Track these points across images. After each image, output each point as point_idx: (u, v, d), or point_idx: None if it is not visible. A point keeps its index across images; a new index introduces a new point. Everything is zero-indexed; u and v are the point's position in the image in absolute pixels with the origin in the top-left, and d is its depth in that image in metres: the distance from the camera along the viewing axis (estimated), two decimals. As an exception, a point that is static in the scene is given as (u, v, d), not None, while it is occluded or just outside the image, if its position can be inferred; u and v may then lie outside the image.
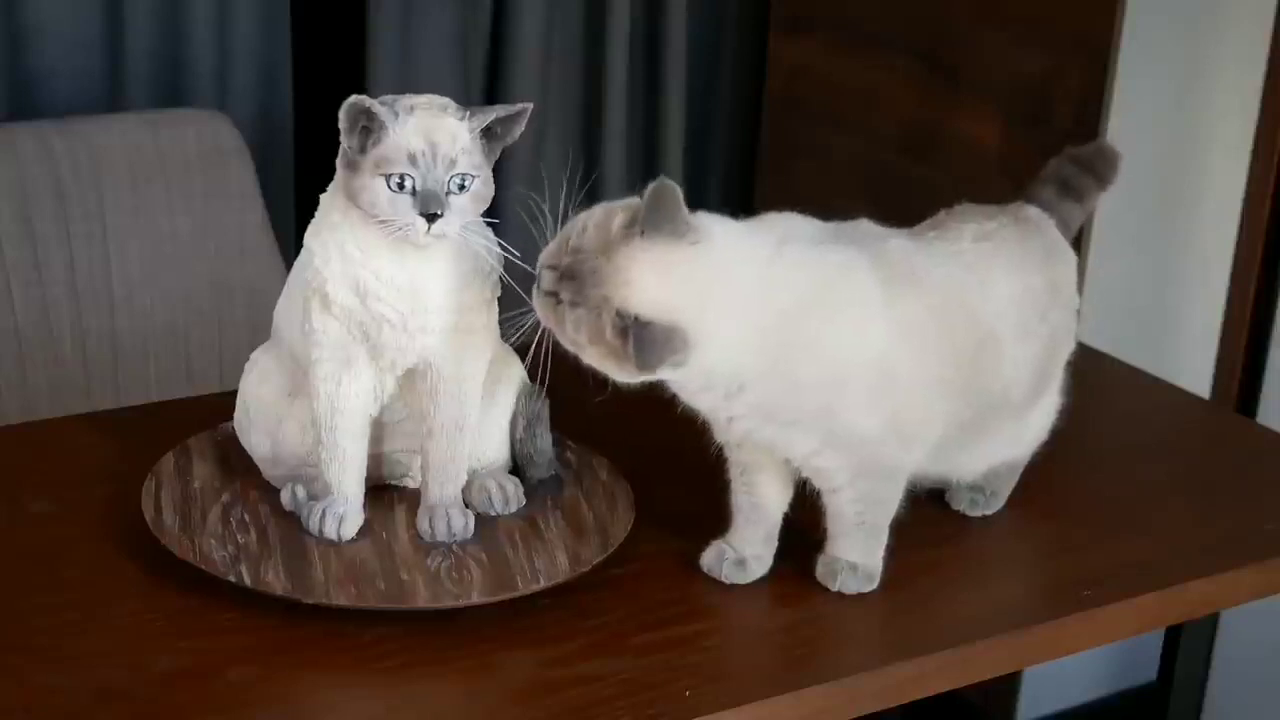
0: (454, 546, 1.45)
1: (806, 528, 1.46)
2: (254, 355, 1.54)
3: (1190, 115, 2.46)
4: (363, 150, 1.36)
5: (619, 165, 2.76)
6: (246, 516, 1.48)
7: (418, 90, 1.41)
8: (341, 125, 1.36)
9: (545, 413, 1.55)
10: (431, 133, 1.36)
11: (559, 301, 1.33)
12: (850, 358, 1.38)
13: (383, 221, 1.36)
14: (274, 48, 2.52)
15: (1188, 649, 1.92)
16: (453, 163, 1.36)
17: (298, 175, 2.57)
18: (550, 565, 1.43)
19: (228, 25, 2.46)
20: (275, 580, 1.38)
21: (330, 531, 1.44)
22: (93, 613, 1.37)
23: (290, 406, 1.49)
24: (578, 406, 1.48)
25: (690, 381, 1.37)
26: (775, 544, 1.47)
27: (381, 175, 1.35)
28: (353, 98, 1.35)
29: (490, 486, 1.51)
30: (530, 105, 1.41)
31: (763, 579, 1.46)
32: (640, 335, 1.30)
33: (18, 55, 2.34)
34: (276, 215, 2.36)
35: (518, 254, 1.40)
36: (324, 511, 1.45)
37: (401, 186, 1.35)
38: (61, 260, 2.17)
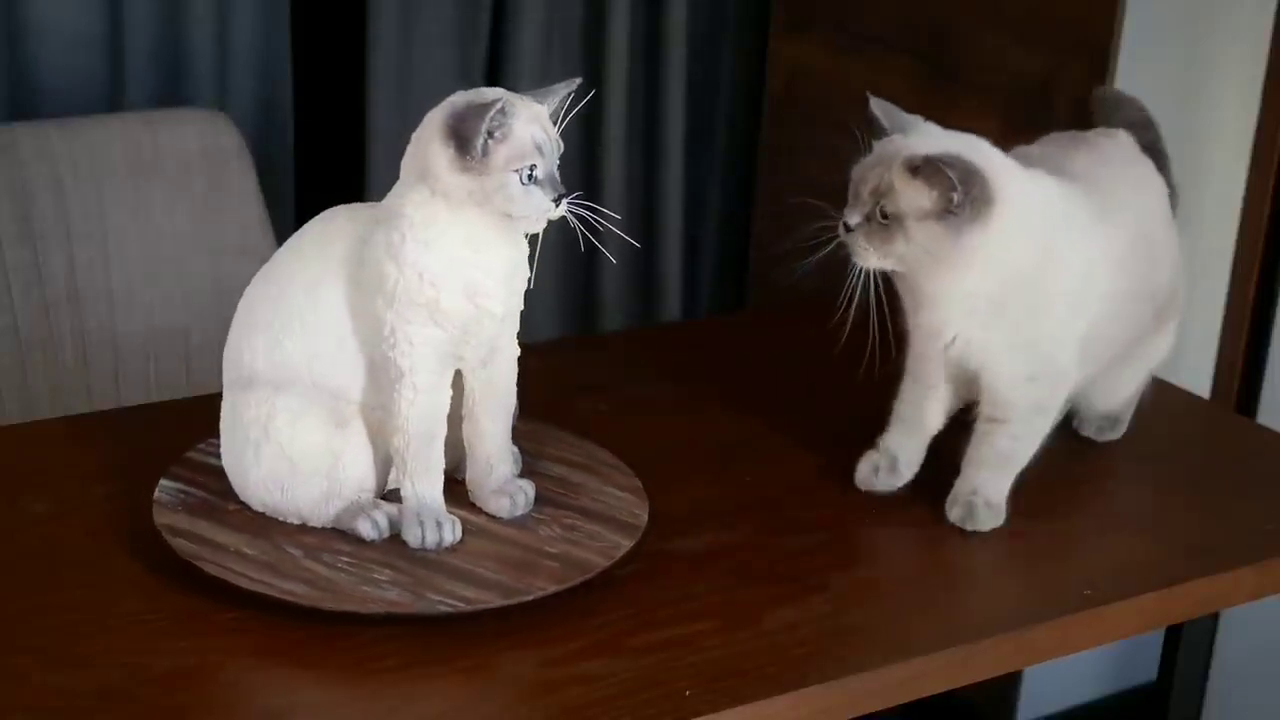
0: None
1: (808, 528, 1.46)
2: (256, 414, 1.44)
3: (1190, 115, 2.46)
4: (484, 153, 1.35)
5: (619, 165, 2.76)
6: (326, 545, 1.42)
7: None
8: (476, 131, 1.34)
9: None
10: (543, 119, 1.38)
11: (870, 223, 1.45)
12: (1089, 266, 1.51)
13: (516, 216, 1.37)
14: (274, 48, 2.52)
15: (1188, 649, 1.92)
16: (559, 145, 1.39)
17: (298, 175, 2.57)
18: (608, 546, 1.44)
19: (228, 25, 2.46)
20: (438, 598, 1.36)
21: (448, 539, 1.43)
22: (93, 613, 1.37)
23: (345, 438, 1.44)
24: (576, 408, 1.48)
25: (967, 282, 1.46)
26: (924, 455, 1.57)
27: (514, 170, 1.35)
28: (500, 102, 1.34)
29: (510, 489, 1.49)
30: (579, 79, 1.43)
31: (762, 579, 1.46)
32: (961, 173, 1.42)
33: (18, 55, 2.34)
34: (276, 215, 2.35)
35: (618, 216, 1.41)
36: (424, 523, 1.42)
37: (531, 177, 1.36)
38: (61, 260, 2.16)
